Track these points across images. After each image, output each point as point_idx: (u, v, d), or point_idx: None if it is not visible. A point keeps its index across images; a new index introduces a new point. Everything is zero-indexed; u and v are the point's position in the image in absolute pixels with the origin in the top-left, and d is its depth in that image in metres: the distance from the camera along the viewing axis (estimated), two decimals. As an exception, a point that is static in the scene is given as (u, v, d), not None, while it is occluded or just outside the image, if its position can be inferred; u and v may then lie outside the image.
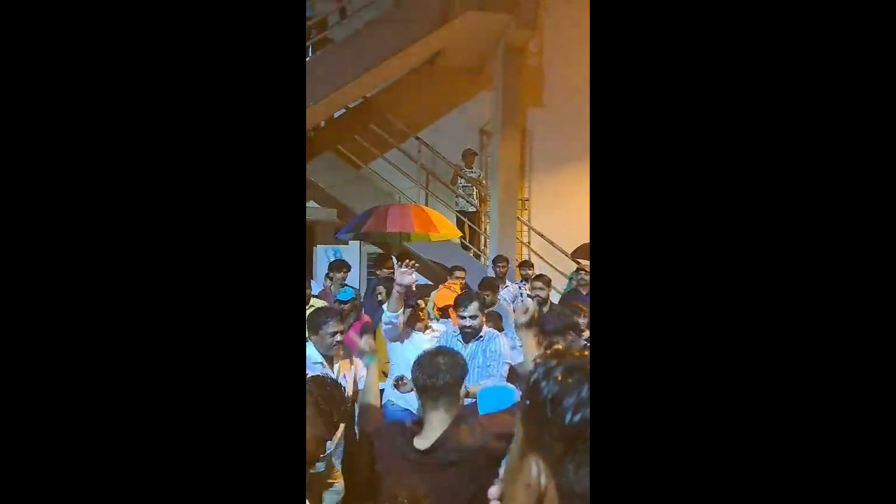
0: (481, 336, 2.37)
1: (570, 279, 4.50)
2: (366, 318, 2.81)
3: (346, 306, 2.75)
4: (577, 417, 0.39)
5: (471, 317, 2.30)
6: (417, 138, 5.63)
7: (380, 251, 4.92)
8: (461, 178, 5.43)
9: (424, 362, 1.35)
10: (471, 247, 5.45)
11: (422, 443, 1.30)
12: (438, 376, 1.30)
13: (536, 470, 0.40)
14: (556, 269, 5.25)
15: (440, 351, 1.43)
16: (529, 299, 1.63)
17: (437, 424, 1.30)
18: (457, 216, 5.23)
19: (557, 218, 5.67)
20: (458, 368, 1.35)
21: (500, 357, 2.34)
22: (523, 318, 1.50)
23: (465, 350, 2.32)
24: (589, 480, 0.39)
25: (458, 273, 3.62)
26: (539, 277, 3.53)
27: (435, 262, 4.81)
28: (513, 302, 3.79)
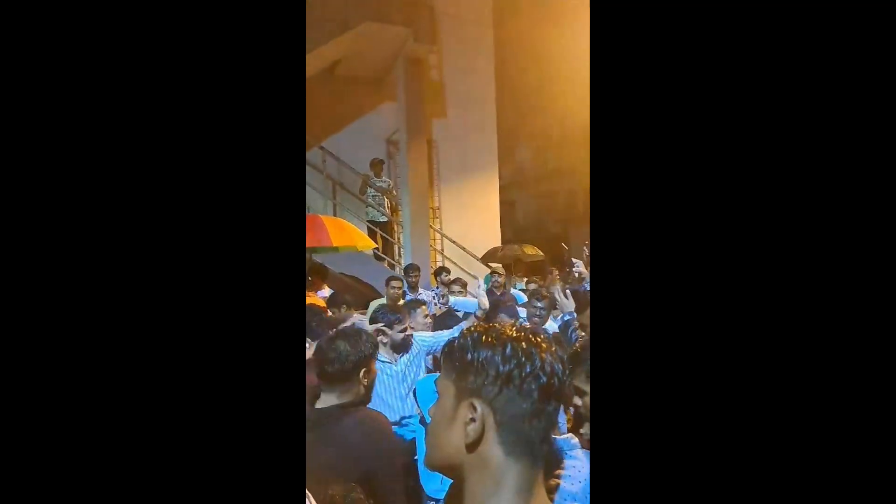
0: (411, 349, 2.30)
1: (486, 282, 4.67)
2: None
3: None
4: (507, 367, 0.53)
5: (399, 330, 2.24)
6: (322, 148, 5.46)
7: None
8: (370, 187, 5.37)
9: (324, 346, 1.24)
10: (384, 257, 5.39)
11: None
12: (335, 362, 1.21)
13: (481, 407, 0.53)
14: (469, 274, 5.41)
15: (342, 334, 1.29)
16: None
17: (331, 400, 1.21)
18: (368, 227, 5.15)
19: (467, 224, 5.87)
20: (360, 349, 1.23)
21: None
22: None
23: (397, 365, 2.26)
24: (519, 405, 0.52)
25: (394, 283, 3.54)
26: (455, 281, 3.61)
27: (355, 279, 4.67)
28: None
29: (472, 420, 0.52)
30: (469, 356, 0.53)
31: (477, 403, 0.52)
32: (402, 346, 2.26)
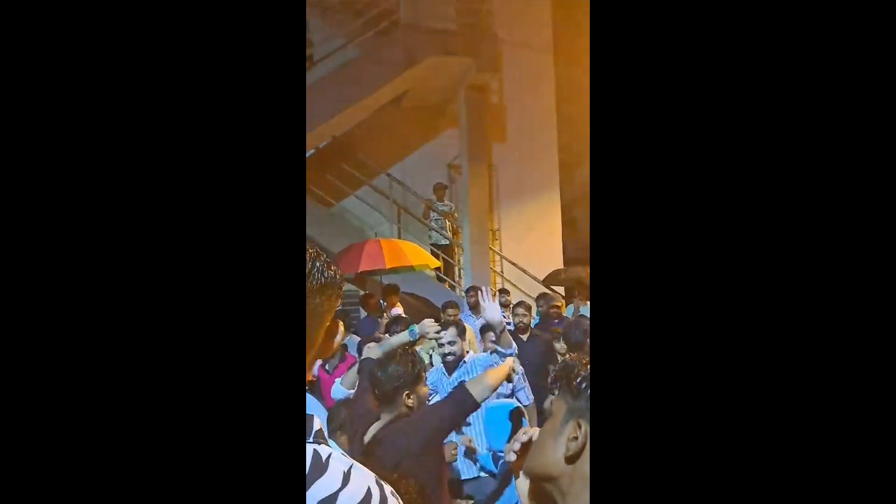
0: (464, 363, 2.38)
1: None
2: (351, 357, 2.82)
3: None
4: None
5: (449, 343, 2.33)
6: (388, 174, 5.76)
7: (355, 288, 4.92)
8: (433, 211, 5.57)
9: (375, 369, 1.42)
10: (446, 279, 5.54)
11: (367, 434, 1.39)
12: (393, 381, 1.38)
13: (585, 427, 0.60)
14: (528, 296, 5.39)
15: (391, 356, 1.47)
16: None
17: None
18: (430, 249, 5.32)
19: (527, 246, 5.87)
20: (413, 367, 1.41)
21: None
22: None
23: (450, 380, 2.34)
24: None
25: (450, 311, 3.60)
26: (519, 304, 3.63)
27: (416, 297, 4.85)
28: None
29: (576, 438, 0.60)
30: (583, 384, 0.62)
31: (582, 423, 0.60)
32: (453, 363, 2.35)
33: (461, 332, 2.43)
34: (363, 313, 4.35)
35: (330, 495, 0.53)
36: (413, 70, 5.05)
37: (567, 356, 0.66)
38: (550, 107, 6.13)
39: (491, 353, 2.45)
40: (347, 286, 5.42)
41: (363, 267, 3.90)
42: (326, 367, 2.79)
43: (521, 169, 5.97)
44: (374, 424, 1.41)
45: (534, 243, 5.87)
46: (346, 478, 0.55)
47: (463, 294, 5.11)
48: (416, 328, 1.93)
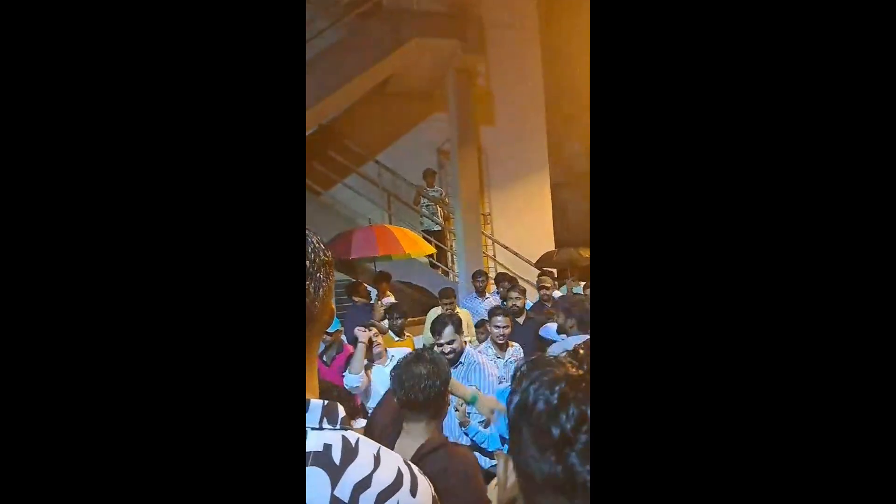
0: (461, 363, 2.20)
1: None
2: (348, 348, 2.79)
3: (329, 338, 2.71)
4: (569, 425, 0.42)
5: (448, 342, 2.17)
6: (377, 161, 5.68)
7: (348, 278, 4.87)
8: (424, 197, 5.52)
9: (404, 375, 1.24)
10: (439, 265, 5.51)
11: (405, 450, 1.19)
12: (422, 388, 1.22)
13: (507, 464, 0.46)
14: (522, 279, 5.41)
15: (419, 358, 1.30)
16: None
17: (417, 435, 1.23)
18: (423, 235, 5.28)
19: (518, 230, 5.87)
20: (443, 374, 1.26)
21: (487, 384, 2.17)
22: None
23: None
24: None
25: (446, 300, 3.58)
26: (513, 288, 3.62)
27: (410, 285, 4.81)
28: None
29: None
30: (529, 403, 0.48)
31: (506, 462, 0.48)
32: (452, 360, 2.20)
33: (458, 327, 2.27)
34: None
35: (364, 478, 0.53)
36: (398, 52, 4.95)
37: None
38: (537, 89, 6.09)
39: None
40: (337, 275, 5.36)
41: (354, 254, 3.88)
42: (324, 358, 2.75)
43: (509, 152, 5.93)
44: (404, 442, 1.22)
45: (525, 226, 5.86)
46: (377, 460, 0.55)
47: (457, 280, 5.10)
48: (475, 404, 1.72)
